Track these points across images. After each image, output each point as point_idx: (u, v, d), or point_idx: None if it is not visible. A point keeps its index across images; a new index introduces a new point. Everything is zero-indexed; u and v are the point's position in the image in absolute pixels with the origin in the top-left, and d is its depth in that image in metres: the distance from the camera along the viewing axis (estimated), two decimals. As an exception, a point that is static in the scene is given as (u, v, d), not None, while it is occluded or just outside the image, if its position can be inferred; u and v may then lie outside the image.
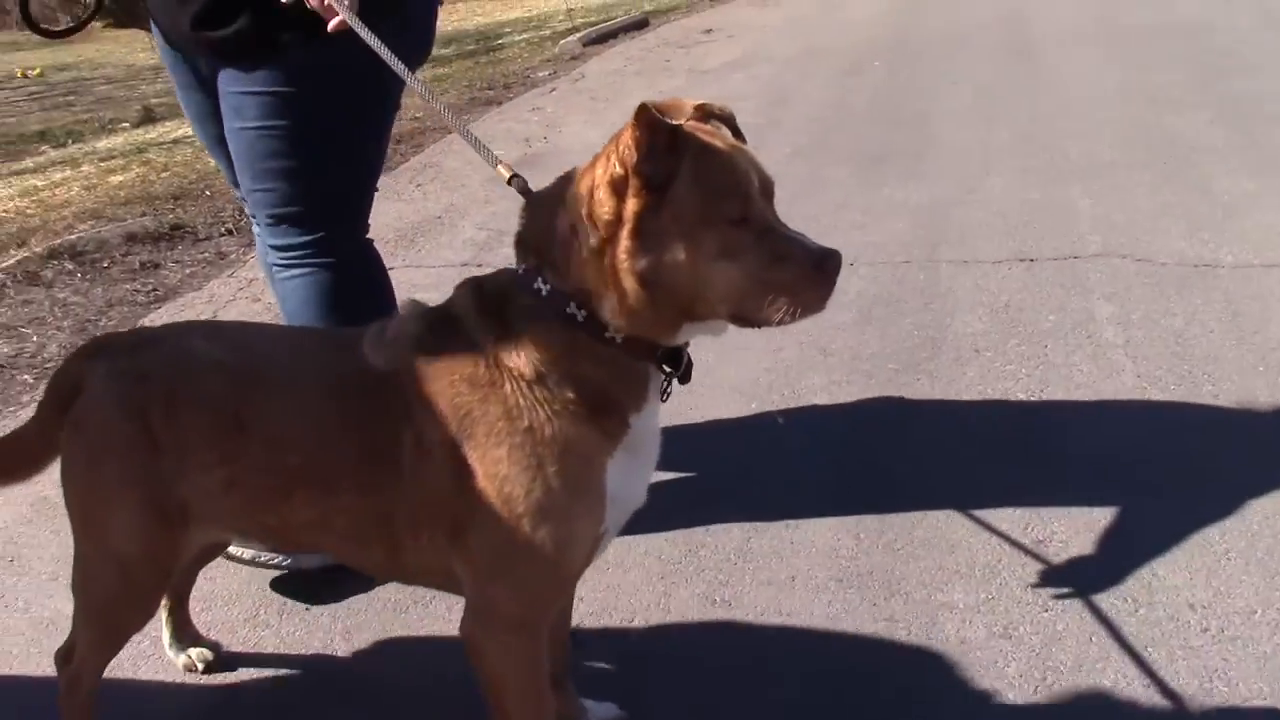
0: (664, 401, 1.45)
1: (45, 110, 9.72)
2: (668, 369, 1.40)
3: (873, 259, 3.78)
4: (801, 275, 1.32)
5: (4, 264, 4.12)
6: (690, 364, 1.44)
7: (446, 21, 15.01)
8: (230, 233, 4.53)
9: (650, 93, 7.55)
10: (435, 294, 3.76)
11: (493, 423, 1.36)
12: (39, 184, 5.54)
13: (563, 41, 9.69)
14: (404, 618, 2.08)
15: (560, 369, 1.36)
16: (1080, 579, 2.10)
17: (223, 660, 1.96)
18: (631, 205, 1.29)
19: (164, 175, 5.60)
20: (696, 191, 1.29)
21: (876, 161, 4.96)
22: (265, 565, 2.18)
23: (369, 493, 1.45)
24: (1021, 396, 2.82)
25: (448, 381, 1.39)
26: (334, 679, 1.96)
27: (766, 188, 1.36)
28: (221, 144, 2.14)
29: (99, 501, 1.56)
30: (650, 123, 1.26)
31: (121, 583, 1.59)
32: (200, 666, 1.94)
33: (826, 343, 3.17)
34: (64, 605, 1.73)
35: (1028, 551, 2.18)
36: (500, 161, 1.64)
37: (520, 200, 1.49)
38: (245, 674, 1.96)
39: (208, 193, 5.06)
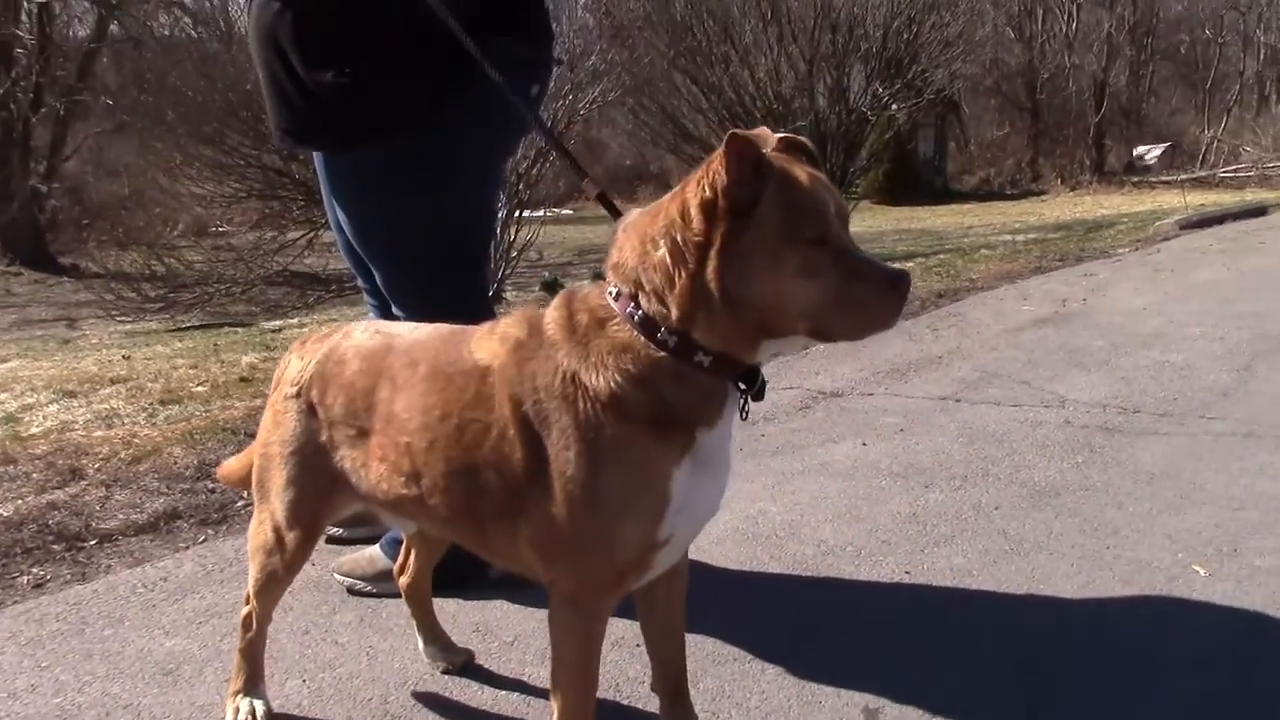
0: (744, 419, 1.51)
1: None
2: (744, 386, 1.47)
3: None
4: (875, 293, 1.38)
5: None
6: (764, 383, 1.49)
7: (1069, 212, 14.71)
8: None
9: (1226, 271, 6.61)
10: (903, 423, 3.31)
11: (565, 429, 1.45)
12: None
13: (1158, 223, 8.95)
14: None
15: (639, 392, 1.43)
16: None
17: (469, 669, 2.02)
18: (720, 227, 1.36)
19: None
20: (779, 213, 1.35)
21: None
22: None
23: (459, 475, 1.55)
24: None
25: (531, 387, 1.48)
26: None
27: (842, 213, 1.41)
28: None
29: (269, 462, 1.76)
30: (740, 150, 1.33)
31: (274, 536, 1.76)
32: (452, 668, 2.02)
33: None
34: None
35: None
36: (587, 176, 1.85)
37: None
38: (488, 691, 1.96)
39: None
